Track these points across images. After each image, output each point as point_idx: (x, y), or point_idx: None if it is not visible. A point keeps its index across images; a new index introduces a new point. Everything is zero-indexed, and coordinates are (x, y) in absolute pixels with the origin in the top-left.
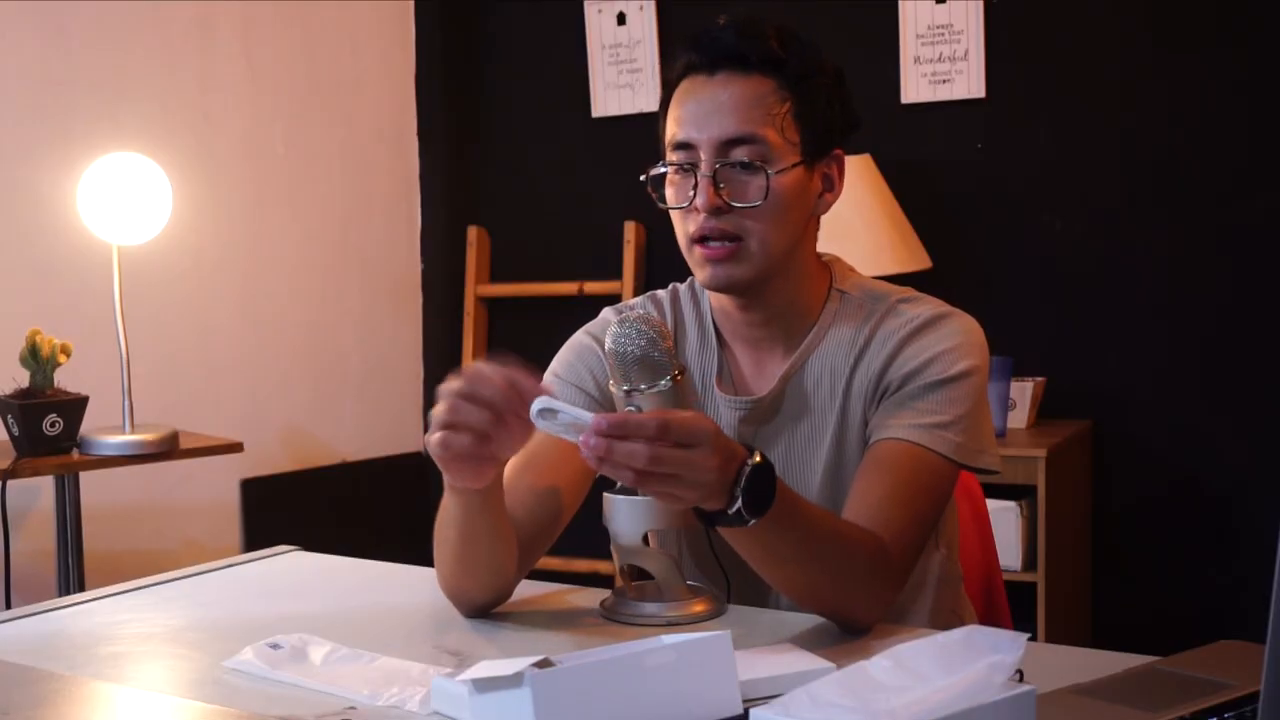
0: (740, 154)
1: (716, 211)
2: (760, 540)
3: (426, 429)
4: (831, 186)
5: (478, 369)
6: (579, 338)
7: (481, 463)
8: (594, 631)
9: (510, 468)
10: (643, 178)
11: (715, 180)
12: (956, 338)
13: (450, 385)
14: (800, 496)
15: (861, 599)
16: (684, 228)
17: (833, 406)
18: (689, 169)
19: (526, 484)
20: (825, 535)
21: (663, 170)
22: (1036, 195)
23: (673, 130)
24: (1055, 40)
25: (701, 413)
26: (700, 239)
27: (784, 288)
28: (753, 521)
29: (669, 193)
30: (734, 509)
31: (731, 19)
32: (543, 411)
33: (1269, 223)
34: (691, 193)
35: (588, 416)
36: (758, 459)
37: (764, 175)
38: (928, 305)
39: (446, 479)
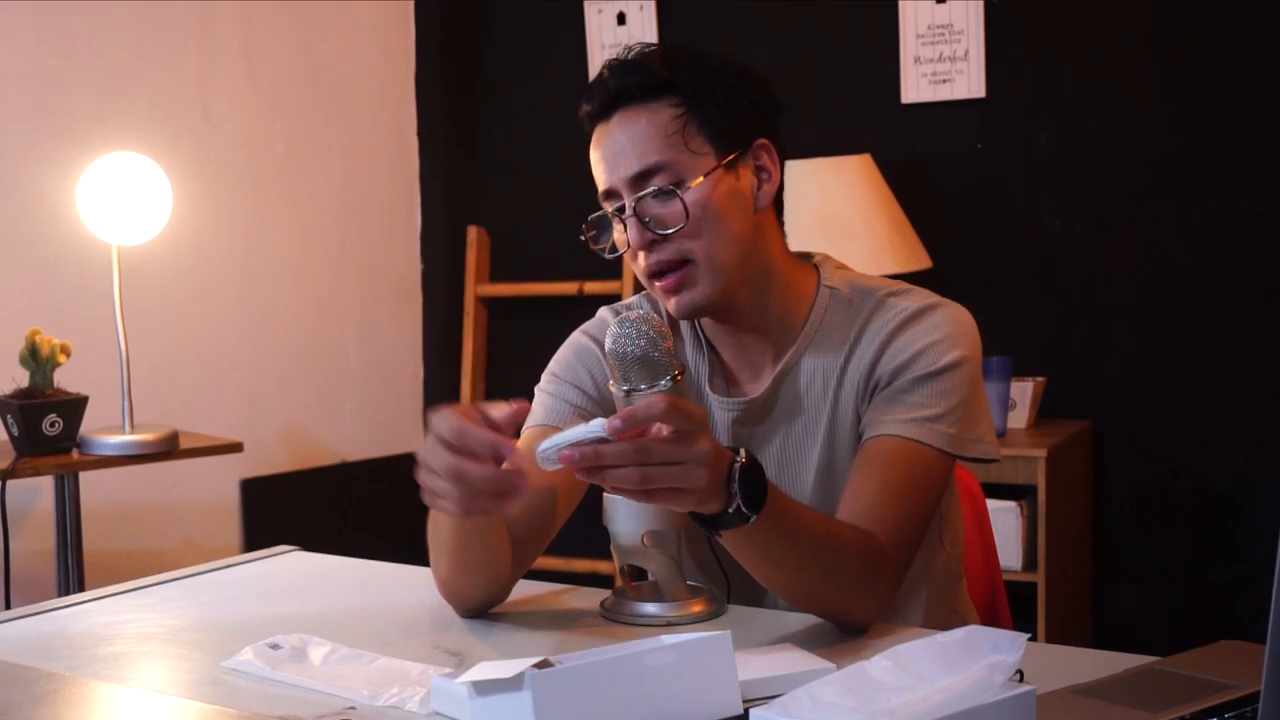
0: (655, 183)
1: (651, 245)
2: (756, 542)
3: (427, 429)
4: (769, 177)
5: (461, 463)
6: (577, 338)
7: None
8: (594, 631)
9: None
10: (583, 237)
11: (639, 215)
12: (944, 328)
13: (438, 458)
14: (791, 498)
15: (858, 598)
16: (638, 268)
17: (824, 404)
18: (617, 214)
19: None
20: (819, 535)
21: (596, 219)
22: (1036, 195)
23: (598, 182)
24: (1055, 40)
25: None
26: (654, 274)
27: (757, 296)
28: (753, 518)
29: (616, 240)
30: (733, 506)
31: (615, 61)
32: (544, 453)
33: (1269, 222)
34: (625, 235)
35: (584, 428)
36: (743, 458)
37: (676, 197)
38: (916, 297)
39: None
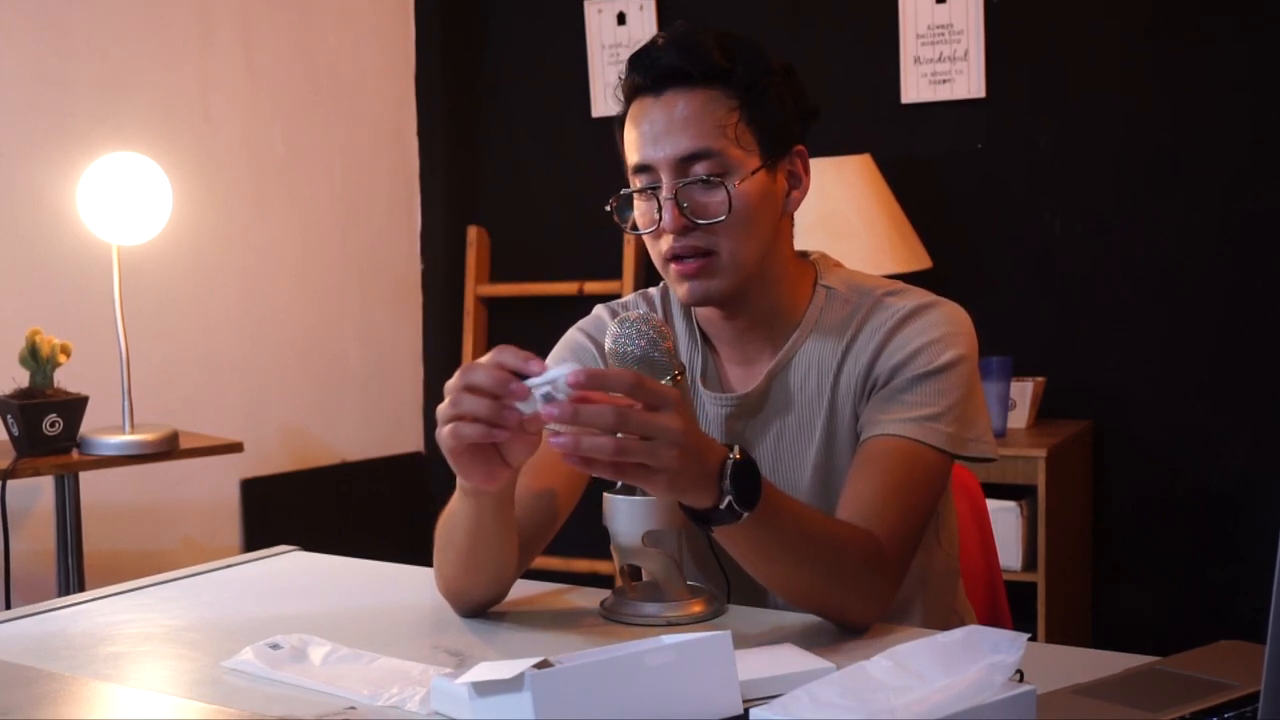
0: (699, 170)
1: (684, 230)
2: (752, 539)
3: (427, 429)
4: (798, 183)
5: (473, 363)
6: (572, 335)
7: (492, 463)
8: (594, 631)
9: None
10: (608, 207)
11: (678, 200)
12: (942, 327)
13: (451, 382)
14: (787, 495)
15: (858, 597)
16: (656, 249)
17: (820, 402)
18: (652, 192)
19: (523, 485)
20: (817, 533)
21: (628, 194)
22: (1036, 195)
23: (631, 155)
24: (1055, 40)
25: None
26: (674, 258)
27: (763, 292)
28: (745, 515)
29: (638, 216)
30: (725, 503)
31: (670, 36)
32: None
33: (1270, 222)
34: (657, 216)
35: (559, 371)
36: (737, 454)
37: (724, 189)
38: (913, 297)
39: (460, 481)
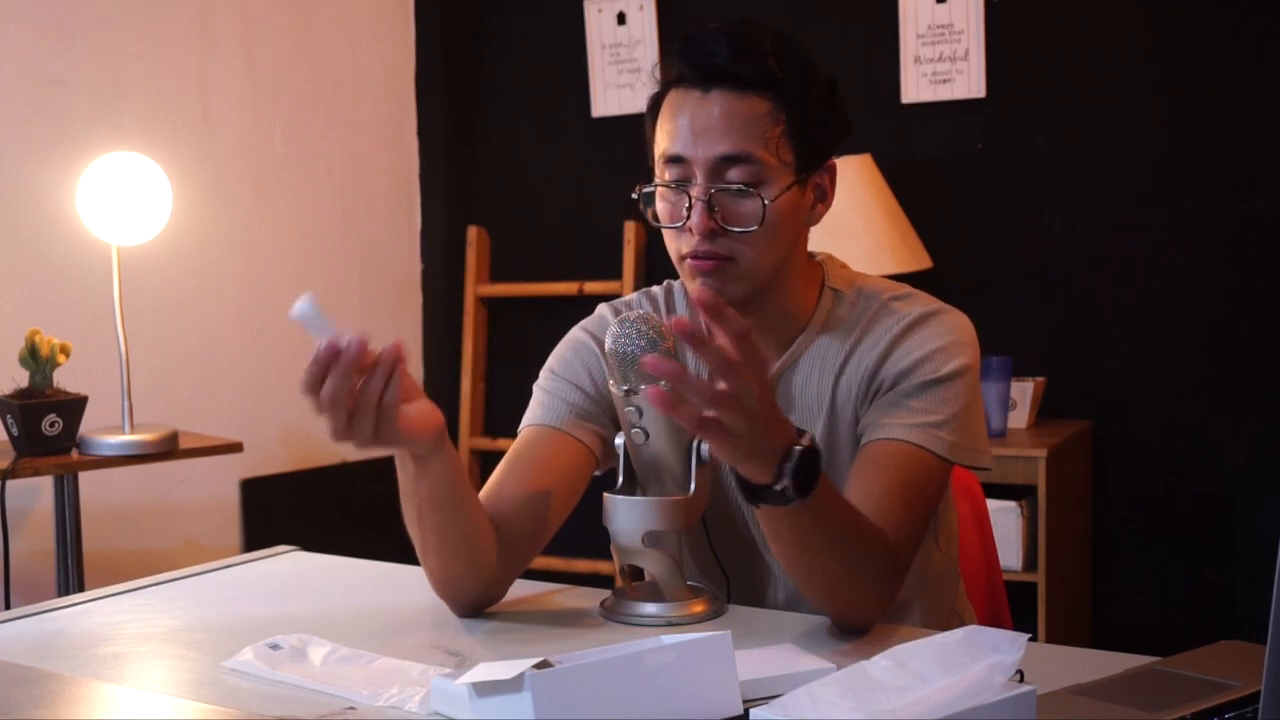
0: (735, 175)
1: (711, 235)
2: (793, 524)
3: None
4: (824, 197)
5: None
6: (575, 334)
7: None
8: (594, 631)
9: (500, 467)
10: (634, 195)
11: (710, 204)
12: (947, 336)
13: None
14: (834, 487)
15: (871, 595)
16: (675, 245)
17: (821, 404)
18: (681, 187)
19: (514, 480)
20: (850, 527)
21: (658, 187)
22: (1036, 195)
23: (664, 144)
24: (1055, 40)
25: None
26: (692, 255)
27: (775, 296)
28: (797, 501)
29: (661, 208)
30: (780, 485)
31: (726, 28)
32: (304, 312)
33: (1269, 222)
34: (685, 213)
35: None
36: (806, 442)
37: (759, 200)
38: (919, 303)
39: (408, 461)
